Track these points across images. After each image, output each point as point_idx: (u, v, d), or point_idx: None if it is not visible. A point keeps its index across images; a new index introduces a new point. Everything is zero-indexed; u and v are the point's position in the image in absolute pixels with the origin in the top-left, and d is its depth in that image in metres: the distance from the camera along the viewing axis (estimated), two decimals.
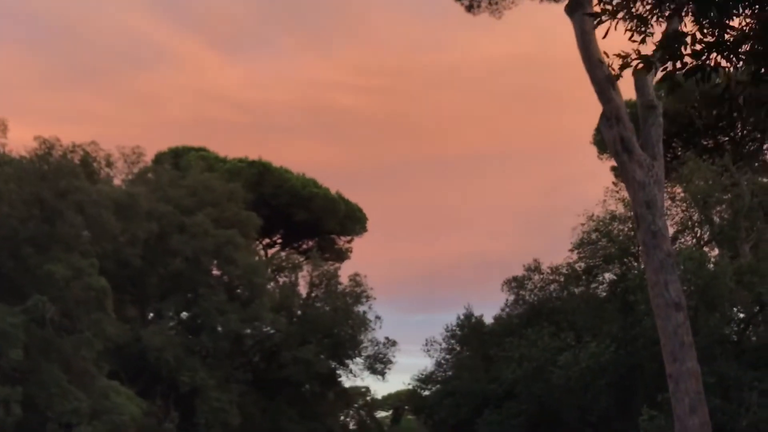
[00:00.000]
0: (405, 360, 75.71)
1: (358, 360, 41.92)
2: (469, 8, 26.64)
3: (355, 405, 48.56)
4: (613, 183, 38.49)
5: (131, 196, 31.81)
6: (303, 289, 42.48)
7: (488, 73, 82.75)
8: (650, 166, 20.98)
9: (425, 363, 42.05)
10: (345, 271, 44.83)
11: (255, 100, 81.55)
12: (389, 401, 57.40)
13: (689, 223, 34.25)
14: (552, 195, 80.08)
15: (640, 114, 22.08)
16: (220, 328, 35.29)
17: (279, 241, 52.34)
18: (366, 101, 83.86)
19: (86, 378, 26.55)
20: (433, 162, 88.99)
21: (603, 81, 21.14)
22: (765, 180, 38.55)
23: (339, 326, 40.19)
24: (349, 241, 53.55)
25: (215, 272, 38.12)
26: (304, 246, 51.45)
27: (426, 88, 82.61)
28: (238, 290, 37.18)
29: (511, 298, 38.95)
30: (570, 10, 22.35)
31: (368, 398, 50.94)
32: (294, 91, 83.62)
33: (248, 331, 37.20)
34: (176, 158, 45.80)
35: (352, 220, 51.00)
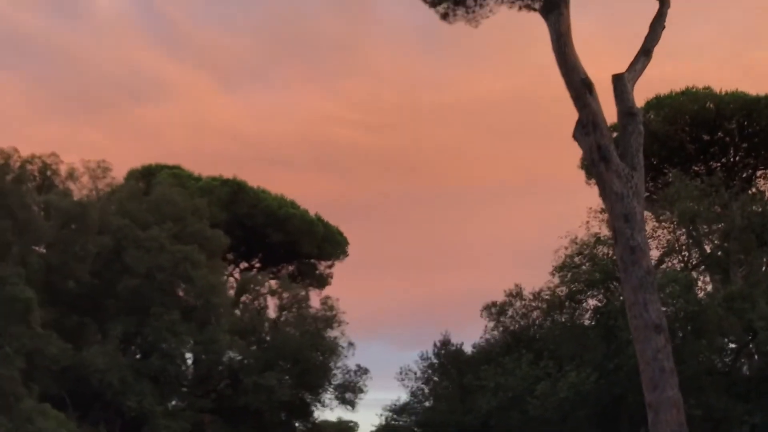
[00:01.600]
0: (386, 395, 72.92)
1: (329, 389, 39.73)
2: (445, 16, 25.75)
3: None
4: (602, 209, 36.90)
5: (81, 206, 30.02)
6: (273, 313, 40.51)
7: (486, 109, 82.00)
8: (629, 176, 19.36)
9: (403, 396, 39.82)
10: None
11: (254, 133, 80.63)
12: None
13: (676, 245, 32.52)
14: (547, 232, 78.48)
15: (619, 122, 20.68)
16: (178, 351, 33.25)
17: (257, 265, 50.59)
18: (365, 136, 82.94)
19: (9, 399, 24.52)
20: (429, 197, 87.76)
21: (579, 85, 19.73)
22: (759, 209, 36.88)
23: (308, 352, 38.05)
24: (330, 266, 51.80)
25: (180, 293, 36.22)
26: (284, 271, 49.69)
27: (424, 123, 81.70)
28: (196, 311, 35.11)
29: (491, 324, 37.13)
30: (545, 12, 21.16)
31: None
32: (293, 125, 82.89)
33: (204, 354, 35.12)
34: (148, 176, 44.28)
35: (332, 243, 49.15)
